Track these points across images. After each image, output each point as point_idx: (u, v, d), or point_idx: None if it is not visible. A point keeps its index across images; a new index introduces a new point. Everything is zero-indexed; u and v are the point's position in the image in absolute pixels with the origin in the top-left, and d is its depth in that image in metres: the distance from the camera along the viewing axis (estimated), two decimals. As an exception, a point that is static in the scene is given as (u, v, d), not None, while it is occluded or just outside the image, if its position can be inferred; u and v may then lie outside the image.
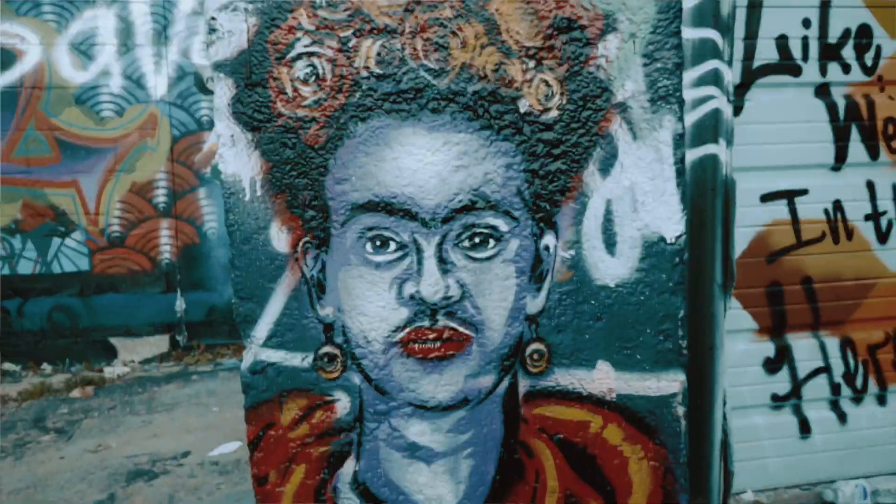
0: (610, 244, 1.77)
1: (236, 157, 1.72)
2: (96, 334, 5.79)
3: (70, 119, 5.60)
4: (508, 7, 1.67)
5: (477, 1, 1.68)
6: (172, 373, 5.62)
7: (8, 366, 5.64)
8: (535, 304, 1.80)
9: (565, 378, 1.82)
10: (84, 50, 5.59)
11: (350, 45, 1.69)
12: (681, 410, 1.83)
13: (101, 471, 3.72)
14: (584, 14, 1.69)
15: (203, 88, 5.74)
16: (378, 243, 1.74)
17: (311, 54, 1.69)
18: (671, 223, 1.75)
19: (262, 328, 1.79)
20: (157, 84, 5.71)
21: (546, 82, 1.71)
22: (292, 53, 1.69)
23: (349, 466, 1.84)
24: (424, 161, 1.71)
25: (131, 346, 5.85)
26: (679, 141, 1.74)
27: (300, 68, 1.70)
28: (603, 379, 1.81)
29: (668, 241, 1.76)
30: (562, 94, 1.72)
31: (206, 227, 5.88)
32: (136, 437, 4.23)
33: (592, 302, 1.78)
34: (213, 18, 1.67)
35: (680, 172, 1.75)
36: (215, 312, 5.93)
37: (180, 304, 5.88)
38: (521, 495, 1.83)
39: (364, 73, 1.70)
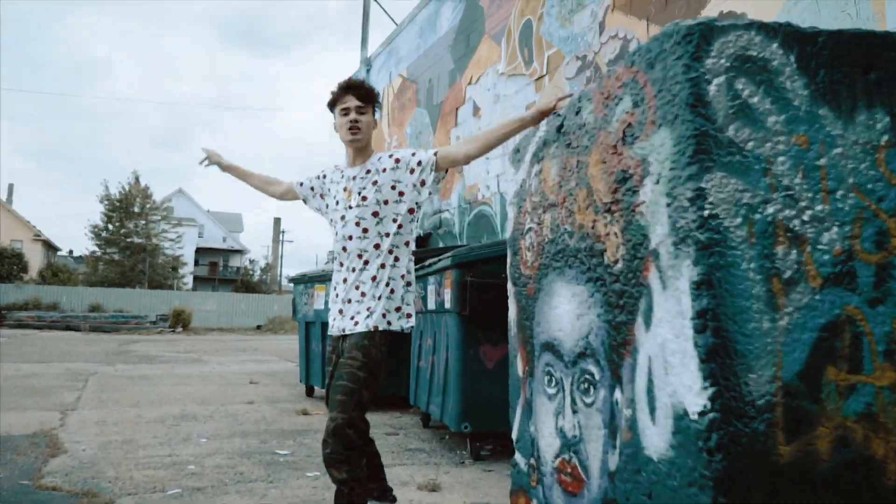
0: (651, 409, 1.49)
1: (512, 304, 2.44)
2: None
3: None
4: (595, 170, 1.80)
5: (582, 169, 1.88)
6: None
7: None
8: (612, 459, 1.68)
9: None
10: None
11: (542, 219, 2.18)
12: None
13: None
14: (631, 163, 1.61)
15: None
16: (549, 378, 2.08)
17: (530, 229, 2.27)
18: (692, 394, 1.34)
19: (514, 431, 2.36)
20: None
21: (616, 234, 1.69)
22: (524, 229, 2.31)
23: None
24: (564, 308, 1.98)
25: None
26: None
27: (528, 239, 2.29)
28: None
29: (691, 417, 1.34)
30: (623, 244, 1.65)
31: None
32: None
33: (643, 474, 1.53)
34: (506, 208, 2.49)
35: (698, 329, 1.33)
36: None
37: None
38: None
39: (546, 239, 2.14)
